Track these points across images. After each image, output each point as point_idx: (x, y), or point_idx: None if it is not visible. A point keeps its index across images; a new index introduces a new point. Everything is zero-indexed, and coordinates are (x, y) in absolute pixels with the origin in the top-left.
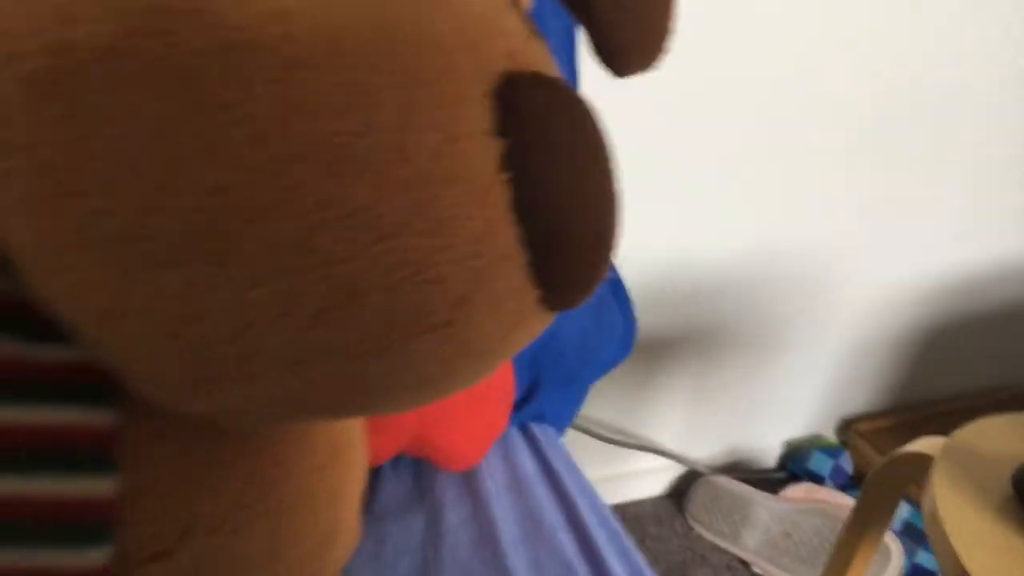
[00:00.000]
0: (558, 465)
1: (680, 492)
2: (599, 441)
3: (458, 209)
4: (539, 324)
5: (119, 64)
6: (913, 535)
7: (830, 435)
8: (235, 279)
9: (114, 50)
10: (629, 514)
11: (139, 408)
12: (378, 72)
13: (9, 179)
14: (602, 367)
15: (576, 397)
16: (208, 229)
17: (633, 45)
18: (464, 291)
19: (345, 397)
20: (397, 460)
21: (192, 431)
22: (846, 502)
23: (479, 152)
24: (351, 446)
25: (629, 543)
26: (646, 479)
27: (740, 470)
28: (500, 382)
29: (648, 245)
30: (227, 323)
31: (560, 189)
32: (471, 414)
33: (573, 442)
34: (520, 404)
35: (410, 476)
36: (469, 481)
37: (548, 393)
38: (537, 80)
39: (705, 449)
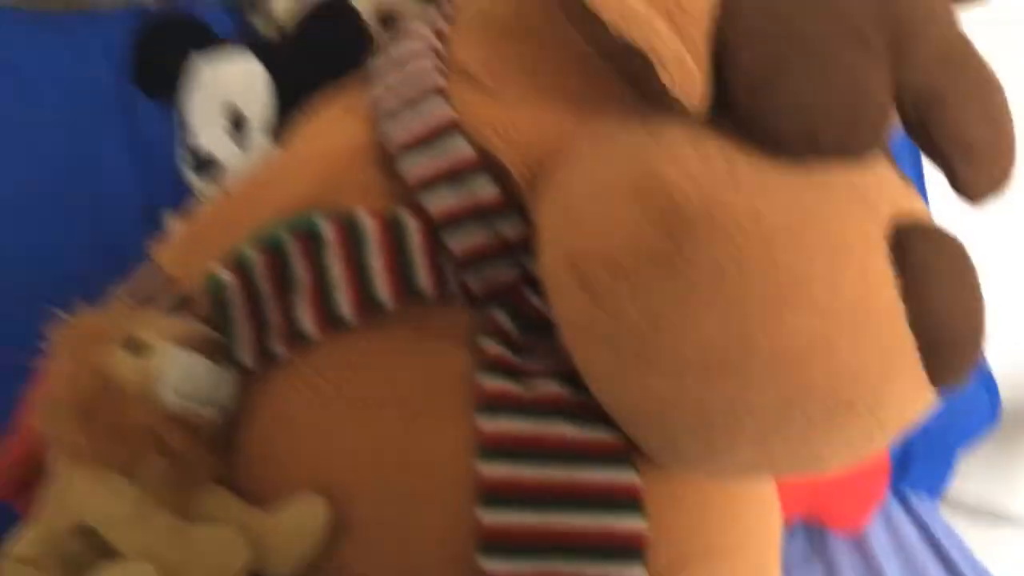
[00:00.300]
0: (937, 530)
1: None
2: (973, 513)
3: (869, 324)
4: (927, 403)
5: (655, 264)
6: None
7: None
8: (735, 391)
9: (643, 255)
10: None
11: (656, 468)
12: (809, 238)
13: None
14: (968, 437)
15: (944, 466)
16: (724, 358)
17: (980, 183)
18: (872, 380)
19: (789, 462)
20: (794, 522)
21: (691, 483)
22: None
23: (883, 283)
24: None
25: None
26: None
27: None
28: (879, 453)
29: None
30: (726, 418)
31: (942, 307)
32: (856, 481)
33: (946, 513)
34: (894, 473)
35: (805, 536)
36: (858, 544)
37: (918, 462)
38: (920, 231)
39: None
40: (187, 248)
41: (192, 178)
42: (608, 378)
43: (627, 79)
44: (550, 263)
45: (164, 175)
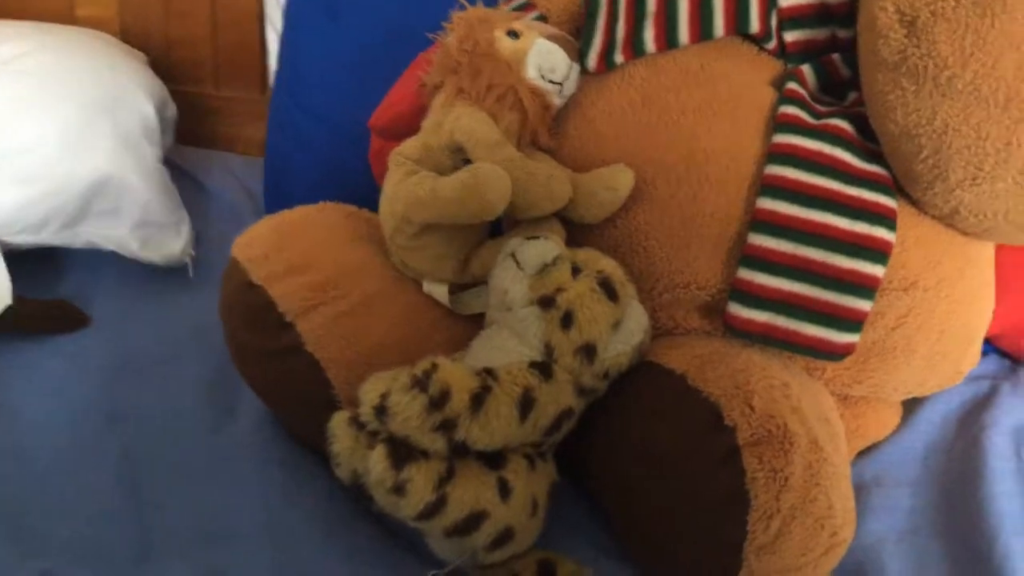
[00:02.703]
0: None
1: None
2: None
3: None
4: None
5: None
6: None
7: None
8: (1012, 124)
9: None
10: None
11: (909, 212)
12: None
13: None
14: None
15: None
16: (1010, 95)
17: None
18: None
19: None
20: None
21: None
22: None
23: None
24: None
25: None
26: None
27: None
28: None
29: None
30: (996, 147)
31: None
32: None
33: None
34: None
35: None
36: None
37: None
38: None
39: None
40: None
41: None
42: (903, 106)
43: None
44: (879, 9)
45: None
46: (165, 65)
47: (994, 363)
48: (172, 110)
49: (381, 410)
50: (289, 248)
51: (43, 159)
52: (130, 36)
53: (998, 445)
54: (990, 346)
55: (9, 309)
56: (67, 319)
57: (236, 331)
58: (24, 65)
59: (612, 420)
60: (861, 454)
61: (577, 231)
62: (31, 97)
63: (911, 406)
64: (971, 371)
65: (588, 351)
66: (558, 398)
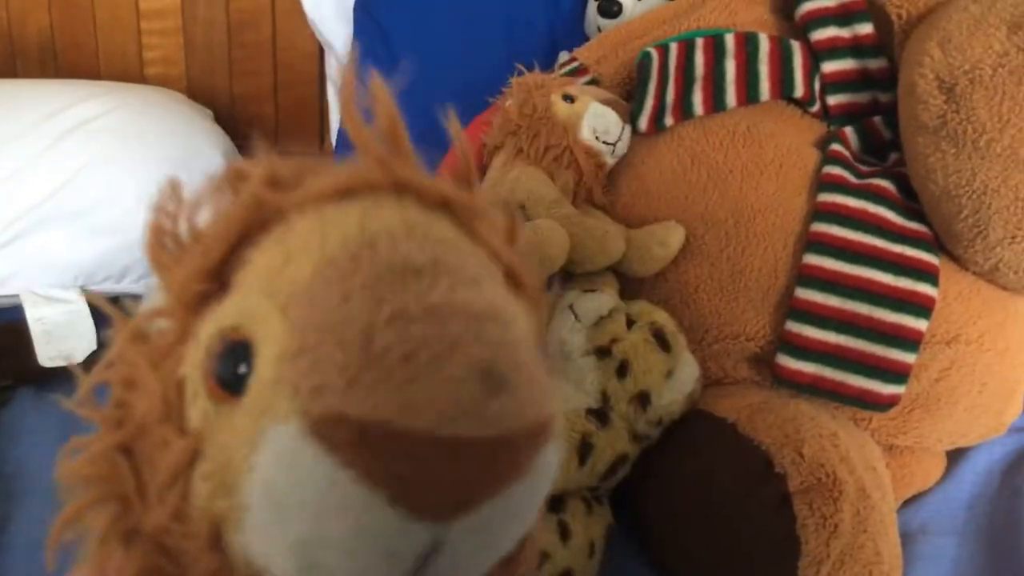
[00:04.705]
0: None
1: None
2: None
3: None
4: None
5: None
6: None
7: None
8: None
9: (1005, 69)
10: None
11: (951, 269)
12: None
13: None
14: None
15: None
16: None
17: None
18: None
19: None
20: None
21: (976, 287)
22: None
23: None
24: None
25: None
26: None
27: None
28: None
29: None
30: None
31: None
32: None
33: None
34: None
35: None
36: None
37: None
38: None
39: None
40: (602, 49)
41: (596, 22)
42: (943, 168)
43: None
44: (918, 76)
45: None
46: (228, 121)
47: None
48: None
49: None
50: None
51: (123, 212)
52: (196, 94)
53: None
54: None
55: (93, 354)
56: None
57: None
58: (105, 124)
59: (665, 466)
60: (907, 503)
61: (630, 284)
62: (112, 154)
63: (955, 457)
64: (1014, 422)
65: (643, 399)
66: (614, 444)
